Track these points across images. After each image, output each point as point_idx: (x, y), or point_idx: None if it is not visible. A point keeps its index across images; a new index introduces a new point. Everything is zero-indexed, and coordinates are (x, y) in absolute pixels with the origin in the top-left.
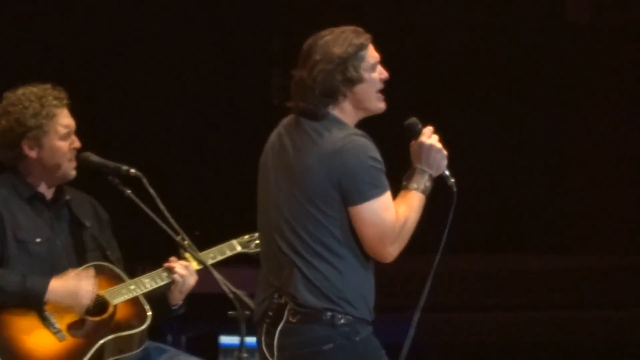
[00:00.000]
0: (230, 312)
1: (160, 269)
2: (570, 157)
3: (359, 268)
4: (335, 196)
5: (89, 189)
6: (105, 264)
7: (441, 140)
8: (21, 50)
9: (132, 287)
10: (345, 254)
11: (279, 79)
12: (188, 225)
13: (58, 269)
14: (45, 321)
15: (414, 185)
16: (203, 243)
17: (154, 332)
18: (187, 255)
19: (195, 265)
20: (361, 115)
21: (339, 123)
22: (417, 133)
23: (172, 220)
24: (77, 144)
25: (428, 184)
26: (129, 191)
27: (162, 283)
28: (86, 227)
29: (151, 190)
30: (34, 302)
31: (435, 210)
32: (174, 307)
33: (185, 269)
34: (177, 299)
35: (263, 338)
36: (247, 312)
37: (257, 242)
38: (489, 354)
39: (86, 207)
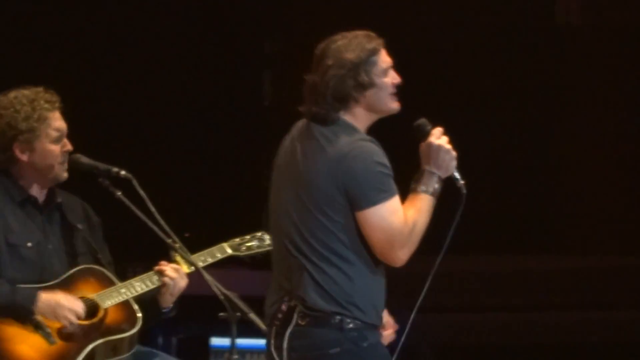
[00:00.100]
0: (221, 314)
1: (150, 272)
2: (564, 158)
3: (368, 273)
4: (342, 202)
5: (80, 191)
6: (96, 267)
7: (450, 141)
8: (13, 53)
9: (123, 290)
10: (353, 259)
11: (270, 81)
12: (178, 227)
13: (49, 273)
14: (36, 325)
15: (423, 187)
16: (194, 245)
17: (144, 335)
18: (178, 258)
19: (185, 269)
20: (374, 117)
21: (348, 128)
22: (427, 134)
23: (162, 222)
24: (68, 147)
25: (437, 185)
26: (119, 193)
27: (152, 286)
28: (78, 230)
29: (141, 192)
30: (22, 314)
31: (438, 211)
32: (164, 310)
33: (175, 272)
34: (167, 301)
35: (272, 340)
36: (238, 314)
37: (248, 244)
38: (485, 355)
39: (78, 210)
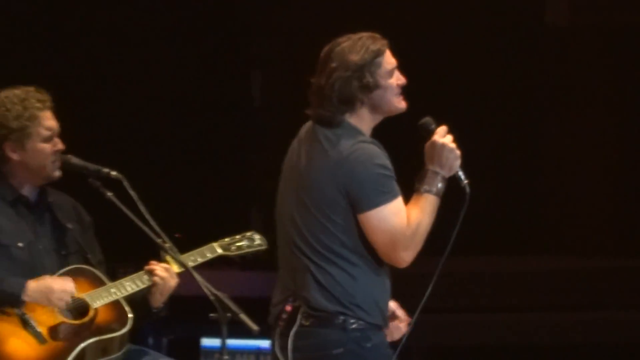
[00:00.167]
0: (211, 315)
1: (141, 272)
2: (556, 159)
3: (372, 274)
4: (344, 204)
5: (71, 191)
6: (86, 267)
7: (454, 140)
8: (5, 53)
9: (113, 290)
10: (356, 261)
11: (260, 82)
12: (169, 227)
13: (40, 272)
14: (27, 324)
15: (426, 187)
16: (184, 245)
17: (135, 335)
18: (168, 258)
19: (176, 268)
20: (379, 118)
21: (351, 130)
22: (431, 132)
23: (152, 223)
24: (60, 146)
25: (440, 185)
26: (109, 193)
27: (143, 286)
28: (68, 229)
29: (132, 193)
30: (11, 303)
31: (439, 211)
32: (154, 310)
33: (166, 272)
34: (158, 301)
35: (277, 341)
36: (228, 315)
37: (238, 244)
38: (477, 356)
39: (69, 210)
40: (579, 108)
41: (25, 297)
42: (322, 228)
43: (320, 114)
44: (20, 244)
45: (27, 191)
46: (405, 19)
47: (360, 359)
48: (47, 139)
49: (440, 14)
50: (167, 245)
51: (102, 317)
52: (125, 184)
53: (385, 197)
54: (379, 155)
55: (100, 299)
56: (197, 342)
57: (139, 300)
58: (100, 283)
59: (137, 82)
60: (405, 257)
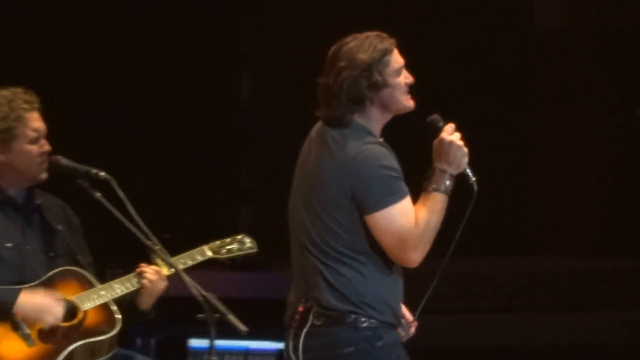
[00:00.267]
0: (199, 315)
1: (130, 274)
2: (543, 159)
3: (382, 273)
4: (351, 206)
5: (60, 193)
6: (76, 268)
7: (462, 137)
8: None
9: (103, 292)
10: (365, 260)
11: (249, 82)
12: (158, 228)
13: (28, 274)
14: (16, 326)
15: (434, 186)
16: (173, 246)
17: (123, 336)
18: (158, 260)
19: (165, 270)
20: (388, 117)
21: (359, 131)
22: (439, 130)
23: (141, 224)
24: (46, 147)
25: (448, 183)
26: (98, 194)
27: (132, 288)
28: (57, 231)
29: (121, 194)
30: (2, 312)
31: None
32: (143, 312)
33: (155, 275)
34: (146, 303)
35: (290, 341)
36: (217, 316)
37: (229, 247)
38: (465, 357)
39: (57, 212)
40: (571, 108)
41: (16, 309)
42: (329, 229)
43: (329, 114)
44: (8, 244)
45: (15, 193)
46: (394, 21)
47: (371, 358)
48: (34, 141)
49: (431, 15)
50: (157, 247)
51: (91, 320)
52: (114, 184)
53: (392, 198)
54: (386, 157)
55: (89, 301)
56: (185, 343)
57: (126, 302)
58: (90, 285)
59: (126, 83)
60: (415, 257)
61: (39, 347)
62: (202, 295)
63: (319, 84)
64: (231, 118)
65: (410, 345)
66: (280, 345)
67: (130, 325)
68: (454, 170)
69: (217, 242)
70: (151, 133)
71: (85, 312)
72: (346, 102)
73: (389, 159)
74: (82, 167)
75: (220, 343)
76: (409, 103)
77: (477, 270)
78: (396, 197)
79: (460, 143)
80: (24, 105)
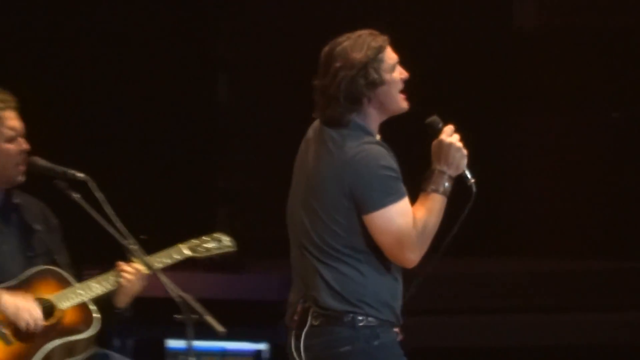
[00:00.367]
0: (177, 316)
1: (108, 273)
2: (520, 161)
3: (381, 272)
4: (349, 206)
5: (38, 194)
6: (54, 268)
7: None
8: None
9: (80, 291)
10: (364, 259)
11: (226, 83)
12: (135, 228)
13: (5, 273)
14: None
15: (433, 187)
16: (150, 247)
17: (100, 336)
18: (136, 260)
19: (143, 270)
20: (385, 116)
21: (358, 130)
22: (438, 131)
23: (119, 224)
24: (24, 146)
25: (447, 184)
26: (76, 195)
27: (110, 287)
28: (35, 231)
29: (98, 194)
30: None
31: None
32: (119, 311)
33: (133, 274)
34: (122, 302)
35: (292, 342)
36: (194, 316)
37: (206, 246)
38: (467, 358)
39: (35, 212)
40: (547, 109)
41: None
42: (329, 229)
43: (328, 115)
44: None
45: None
46: (369, 23)
47: (368, 357)
48: (11, 139)
49: (408, 17)
50: (134, 247)
51: (68, 319)
52: (92, 185)
53: (391, 198)
54: (384, 157)
55: (67, 301)
56: (163, 344)
57: (103, 301)
58: (67, 284)
59: (102, 84)
60: (412, 257)
61: (16, 346)
62: (180, 296)
63: (314, 86)
64: (208, 119)
65: (409, 345)
66: (257, 346)
67: (106, 323)
68: (453, 172)
69: (195, 241)
70: (129, 134)
71: (63, 311)
72: (344, 103)
73: (388, 159)
74: (59, 168)
75: (198, 344)
76: (403, 104)
77: (464, 270)
78: (395, 197)
79: (460, 145)
80: (0, 105)
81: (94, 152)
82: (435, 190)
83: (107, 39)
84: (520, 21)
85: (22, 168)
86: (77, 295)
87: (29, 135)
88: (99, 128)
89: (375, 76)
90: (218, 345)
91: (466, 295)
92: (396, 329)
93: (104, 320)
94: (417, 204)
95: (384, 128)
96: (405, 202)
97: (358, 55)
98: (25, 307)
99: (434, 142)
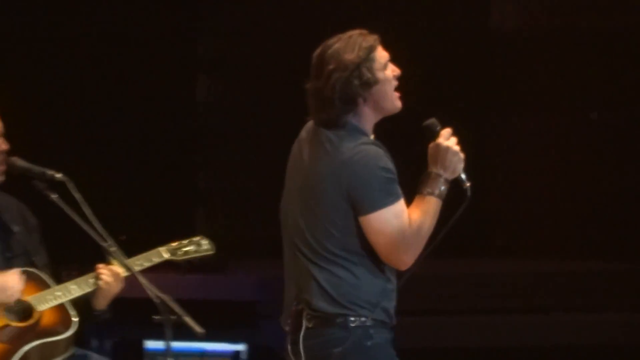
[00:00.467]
0: (155, 317)
1: (86, 275)
2: (500, 161)
3: (375, 274)
4: (346, 207)
5: (18, 194)
6: (32, 269)
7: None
8: None
9: (59, 293)
10: (358, 261)
11: (205, 83)
12: (114, 229)
13: None
14: None
15: (429, 189)
16: (129, 247)
17: (78, 337)
18: (114, 261)
19: (122, 272)
20: (379, 116)
21: (354, 131)
22: (436, 134)
23: (97, 225)
24: (4, 147)
25: (443, 187)
26: (54, 195)
27: (88, 290)
28: (13, 232)
29: (77, 195)
30: None
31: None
32: (97, 313)
33: (111, 276)
34: (101, 304)
35: (289, 347)
36: (173, 317)
37: (185, 249)
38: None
39: (14, 212)
40: (526, 111)
41: None
42: (324, 230)
43: (323, 118)
44: None
45: None
46: (348, 24)
47: (361, 357)
48: None
49: (386, 18)
50: (113, 249)
51: (46, 320)
52: (70, 186)
53: (388, 200)
54: (382, 158)
55: (45, 302)
56: (141, 345)
57: (82, 303)
58: (46, 286)
59: (81, 84)
60: (406, 259)
61: None
62: (159, 297)
63: (307, 89)
64: (187, 120)
65: (404, 346)
66: (235, 347)
67: (85, 325)
68: (449, 175)
69: (174, 244)
70: (107, 134)
71: (41, 312)
72: (340, 104)
73: (385, 160)
74: (38, 168)
75: (176, 345)
76: (397, 102)
77: (464, 270)
78: (392, 199)
79: (457, 148)
80: None
81: (72, 153)
82: (431, 193)
83: (86, 39)
84: (497, 23)
85: (1, 168)
86: (56, 297)
87: (8, 135)
88: (77, 128)
89: (369, 75)
90: (196, 346)
91: (466, 296)
92: (388, 329)
93: (83, 322)
94: (413, 206)
95: (378, 129)
96: (401, 203)
97: (350, 56)
98: (9, 285)
99: (431, 145)
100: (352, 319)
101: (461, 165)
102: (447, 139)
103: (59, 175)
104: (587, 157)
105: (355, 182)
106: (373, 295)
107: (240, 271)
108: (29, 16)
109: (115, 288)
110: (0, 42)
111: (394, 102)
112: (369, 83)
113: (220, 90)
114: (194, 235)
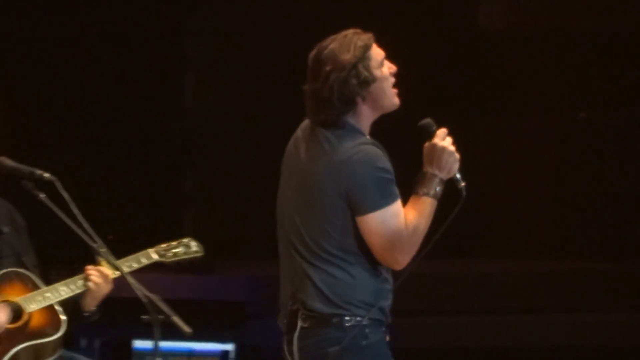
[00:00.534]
0: (143, 317)
1: (76, 277)
2: (488, 161)
3: (370, 274)
4: (343, 206)
5: (6, 194)
6: (21, 270)
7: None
8: None
9: (48, 294)
10: (354, 261)
11: (193, 84)
12: (102, 229)
13: None
14: None
15: (425, 190)
16: (117, 247)
17: (67, 337)
18: (103, 262)
19: (111, 273)
20: (377, 114)
21: (352, 131)
22: (432, 134)
23: (86, 225)
24: None
25: (438, 188)
26: (42, 195)
27: (78, 291)
28: (2, 233)
29: (65, 195)
30: None
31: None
32: (86, 314)
33: (100, 277)
34: (90, 305)
35: (285, 346)
36: (161, 317)
37: (174, 251)
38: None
39: (3, 213)
40: (525, 111)
41: None
42: (322, 229)
43: (322, 119)
44: None
45: None
46: (334, 25)
47: (356, 356)
48: None
49: (372, 18)
50: (102, 249)
51: (36, 322)
52: (58, 185)
53: (386, 200)
54: (380, 158)
55: (34, 303)
56: (130, 344)
57: (71, 304)
58: (35, 287)
59: (69, 83)
60: (401, 259)
61: None
62: (147, 297)
63: (304, 91)
64: (175, 120)
65: (403, 346)
66: (223, 346)
67: (74, 326)
68: (444, 176)
69: (163, 245)
70: (95, 134)
71: (30, 313)
72: (338, 105)
73: (383, 160)
74: (26, 168)
75: (165, 344)
76: (395, 99)
77: (463, 270)
78: (390, 199)
79: (452, 149)
80: None
81: (60, 152)
82: (427, 194)
83: (75, 40)
84: (484, 23)
85: None
86: (45, 298)
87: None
88: (65, 128)
89: (366, 74)
90: (185, 346)
91: (465, 295)
92: (384, 328)
93: (71, 322)
94: (408, 207)
95: (373, 129)
96: (398, 204)
97: (347, 56)
98: None
99: (426, 145)
100: (348, 318)
101: (457, 166)
102: (443, 139)
103: (47, 175)
104: (586, 157)
105: (354, 182)
106: (369, 295)
107: (228, 271)
108: (25, 16)
109: (105, 289)
110: None
111: (392, 99)
112: (367, 81)
113: (208, 91)
114: (183, 235)
